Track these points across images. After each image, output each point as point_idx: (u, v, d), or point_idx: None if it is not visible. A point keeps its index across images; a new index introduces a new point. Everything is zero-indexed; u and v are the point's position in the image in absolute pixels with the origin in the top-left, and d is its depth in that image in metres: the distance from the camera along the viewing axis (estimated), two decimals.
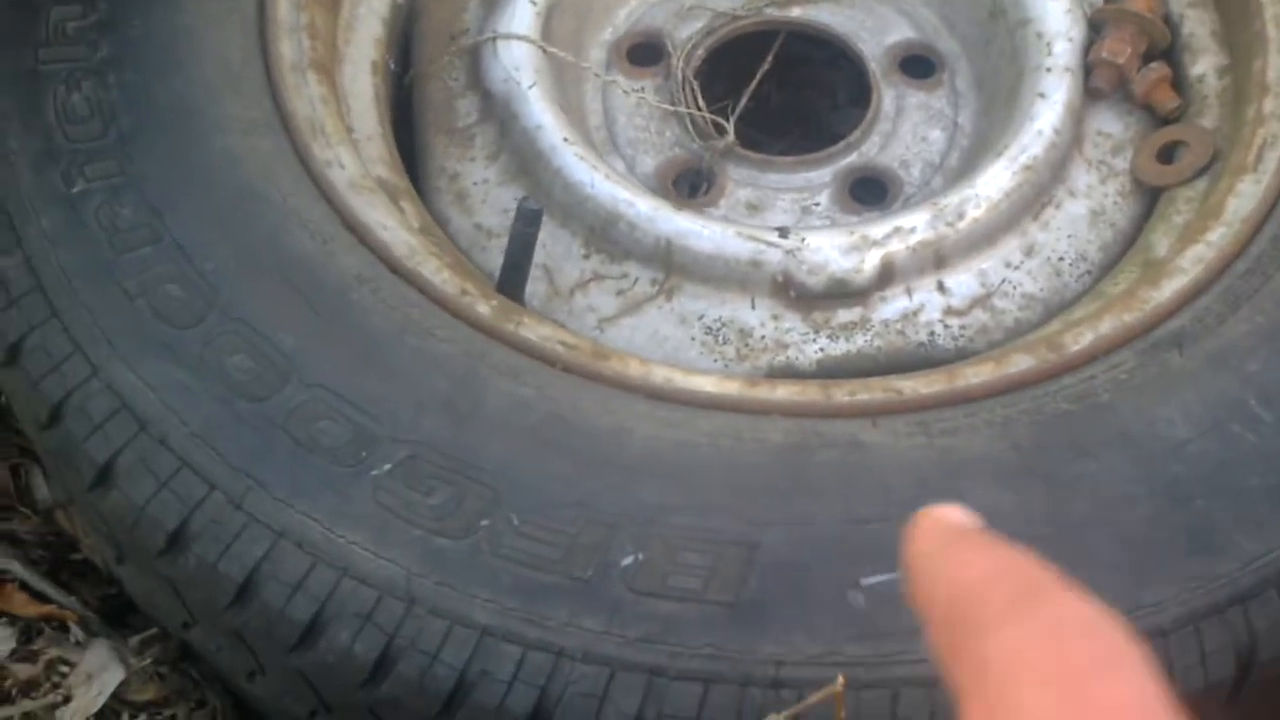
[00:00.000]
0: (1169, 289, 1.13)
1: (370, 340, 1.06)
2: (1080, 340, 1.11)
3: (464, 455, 1.01)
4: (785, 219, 1.33)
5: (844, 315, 1.22)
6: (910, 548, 0.55)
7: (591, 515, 0.99)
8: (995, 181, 1.25)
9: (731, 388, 1.09)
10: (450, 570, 0.98)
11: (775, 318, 1.22)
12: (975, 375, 1.09)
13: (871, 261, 1.21)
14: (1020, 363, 1.09)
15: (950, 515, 0.58)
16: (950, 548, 0.54)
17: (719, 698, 0.94)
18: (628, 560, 0.98)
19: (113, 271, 1.09)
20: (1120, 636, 0.47)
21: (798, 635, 0.95)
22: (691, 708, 0.94)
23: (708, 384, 1.09)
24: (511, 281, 1.16)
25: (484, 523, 0.99)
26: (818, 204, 1.34)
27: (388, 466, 1.01)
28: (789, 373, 1.21)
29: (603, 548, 0.98)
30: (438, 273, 1.13)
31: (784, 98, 1.55)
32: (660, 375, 1.09)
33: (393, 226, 1.15)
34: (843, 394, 1.09)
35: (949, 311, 1.23)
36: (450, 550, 0.98)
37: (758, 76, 1.40)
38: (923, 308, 1.23)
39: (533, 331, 1.10)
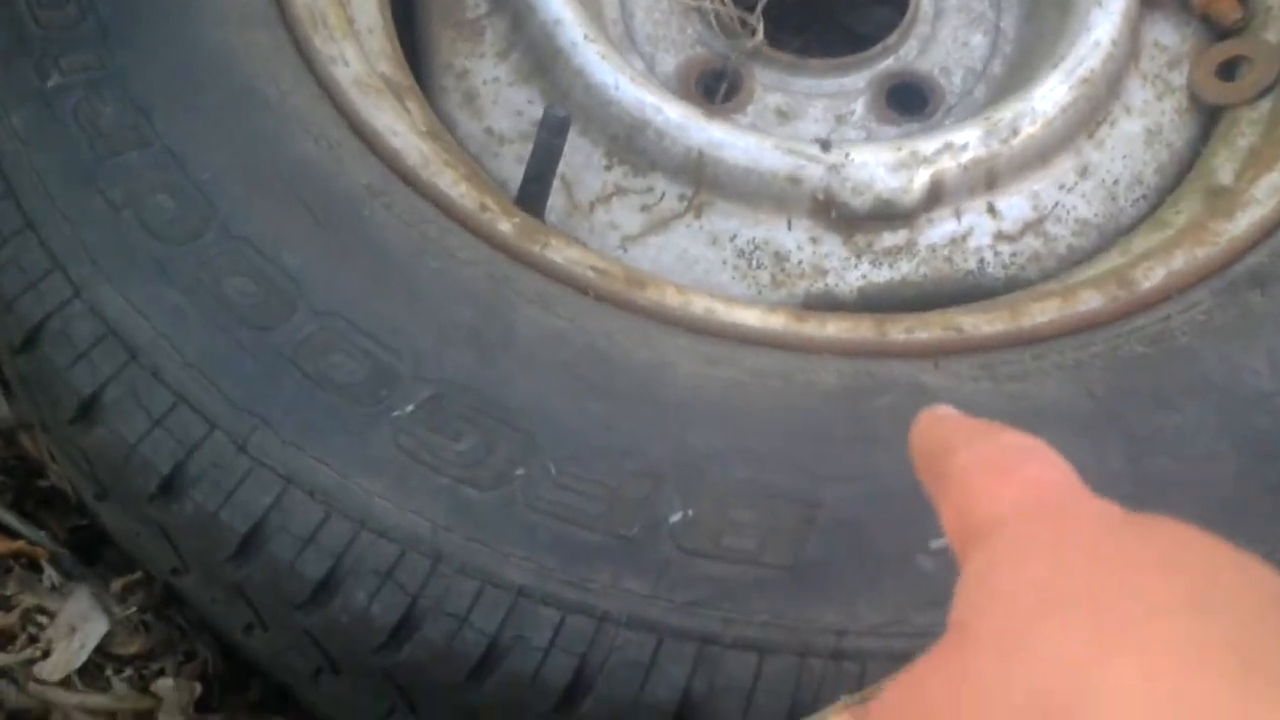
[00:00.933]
0: (1244, 222, 1.05)
1: (386, 262, 0.96)
2: (1151, 276, 1.02)
3: (494, 395, 0.92)
4: (818, 129, 1.23)
5: (888, 239, 1.13)
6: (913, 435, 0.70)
7: (636, 465, 0.90)
8: (1051, 96, 1.15)
9: (777, 322, 1.00)
10: (481, 524, 0.88)
11: (814, 240, 1.13)
12: (1041, 313, 1.00)
13: (921, 180, 1.12)
14: (1088, 300, 1.01)
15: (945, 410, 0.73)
16: (938, 423, 0.70)
17: (775, 669, 0.86)
18: (676, 517, 0.89)
19: (95, 178, 0.97)
20: (1048, 449, 0.63)
21: (861, 602, 0.86)
22: (746, 679, 0.86)
23: (751, 317, 1.00)
24: (533, 196, 1.06)
25: (518, 472, 0.90)
26: (853, 112, 1.24)
27: (410, 407, 0.91)
28: (828, 300, 1.12)
29: (649, 502, 0.89)
30: (455, 185, 1.02)
31: None
32: (700, 306, 1.00)
33: (403, 132, 1.04)
34: (899, 331, 1.00)
35: (999, 236, 1.14)
36: (481, 502, 0.89)
37: None
38: (971, 232, 1.14)
39: (560, 254, 1.00)
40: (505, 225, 1.01)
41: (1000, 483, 0.59)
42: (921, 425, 0.71)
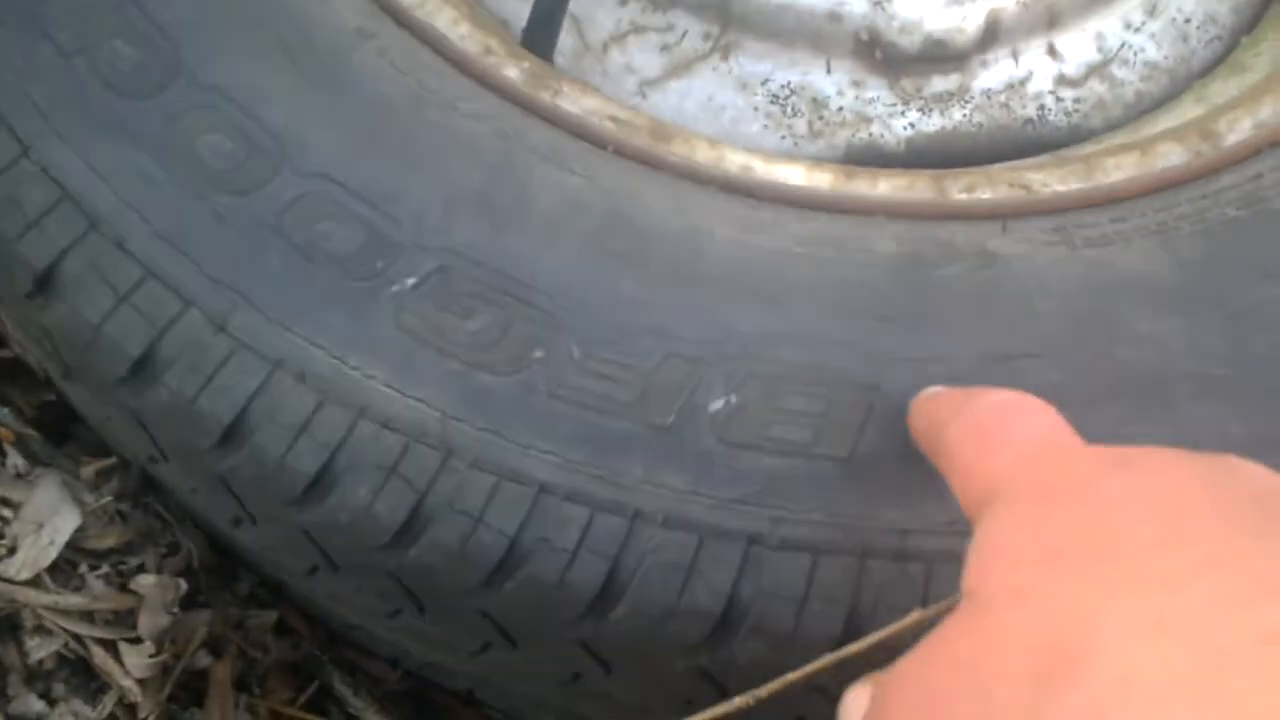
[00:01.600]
0: None
1: (381, 115, 0.84)
2: (1237, 129, 0.91)
3: (508, 266, 0.80)
4: None
5: (939, 84, 1.01)
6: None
7: (671, 346, 0.79)
8: None
9: (824, 179, 0.88)
10: (497, 413, 0.78)
11: (856, 84, 1.01)
12: (1118, 169, 0.89)
13: (975, 18, 1.00)
14: (1170, 155, 0.90)
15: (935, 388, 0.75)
16: (928, 401, 0.74)
17: (831, 572, 0.76)
18: (717, 404, 0.78)
19: (39, 18, 0.85)
20: (1031, 401, 0.66)
21: (926, 498, 0.76)
22: (798, 584, 0.76)
23: (794, 174, 0.88)
24: (541, 37, 0.93)
25: (537, 354, 0.79)
26: None
27: (412, 281, 0.80)
28: (872, 152, 1.00)
29: (686, 388, 0.79)
30: (454, 25, 0.90)
31: None
32: (735, 162, 0.88)
33: None
34: (959, 189, 0.88)
35: (1061, 81, 1.03)
36: (496, 388, 0.78)
37: None
38: (1031, 76, 1.02)
39: (575, 103, 0.88)
40: (513, 71, 0.89)
41: (990, 448, 0.64)
42: (915, 408, 0.75)
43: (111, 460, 0.98)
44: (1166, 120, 0.99)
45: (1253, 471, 0.58)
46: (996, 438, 0.64)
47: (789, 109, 1.00)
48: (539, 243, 0.81)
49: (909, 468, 0.77)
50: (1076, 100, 1.02)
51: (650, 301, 0.80)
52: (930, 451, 0.70)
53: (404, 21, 0.89)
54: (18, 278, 0.83)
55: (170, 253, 0.80)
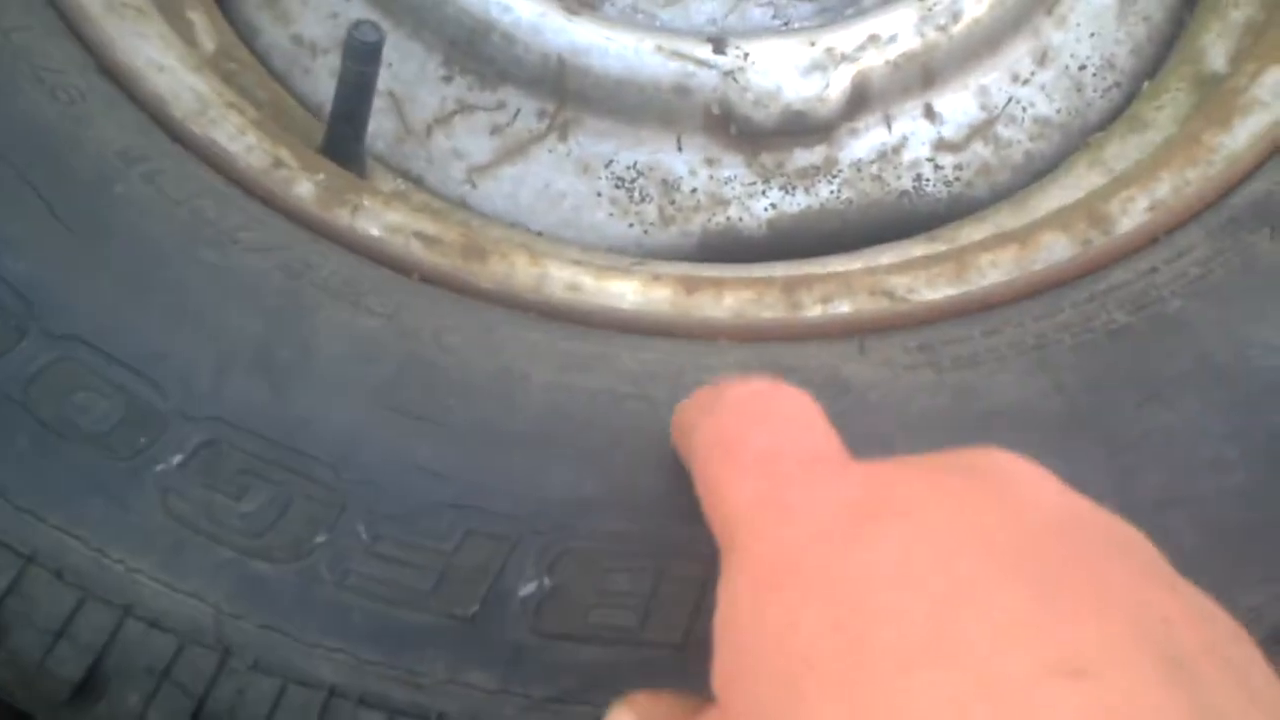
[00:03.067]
0: (1244, 132, 0.83)
1: (146, 259, 0.73)
2: (1131, 211, 0.81)
3: (287, 435, 0.70)
4: (715, 7, 0.99)
5: (802, 158, 0.91)
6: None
7: (475, 522, 0.69)
8: None
9: (662, 298, 0.78)
10: (278, 607, 0.68)
11: (710, 163, 0.90)
12: (993, 268, 0.79)
13: (840, 84, 0.89)
14: (1054, 248, 0.80)
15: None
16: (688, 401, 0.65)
17: None
18: (529, 588, 0.69)
19: None
20: (783, 391, 0.59)
21: None
22: None
23: (628, 293, 0.78)
24: (345, 139, 0.83)
25: (320, 538, 0.69)
26: None
27: (179, 458, 0.70)
28: (730, 238, 0.90)
29: (492, 570, 0.69)
30: (239, 136, 0.79)
31: None
32: (561, 281, 0.78)
33: (173, 65, 0.81)
34: (814, 301, 0.79)
35: (940, 146, 0.92)
36: (276, 579, 0.68)
37: None
38: (906, 142, 0.92)
39: (377, 221, 0.78)
40: (305, 187, 0.78)
41: (731, 467, 0.56)
42: (676, 412, 0.67)
43: None
44: (1057, 189, 0.89)
45: (1034, 498, 0.52)
46: (738, 453, 0.57)
47: (637, 193, 0.90)
48: (323, 404, 0.71)
49: None
50: (958, 166, 0.92)
51: (450, 470, 0.70)
52: (685, 460, 0.63)
53: (180, 137, 0.78)
54: None
55: None
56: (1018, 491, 0.52)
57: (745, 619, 0.51)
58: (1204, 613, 0.49)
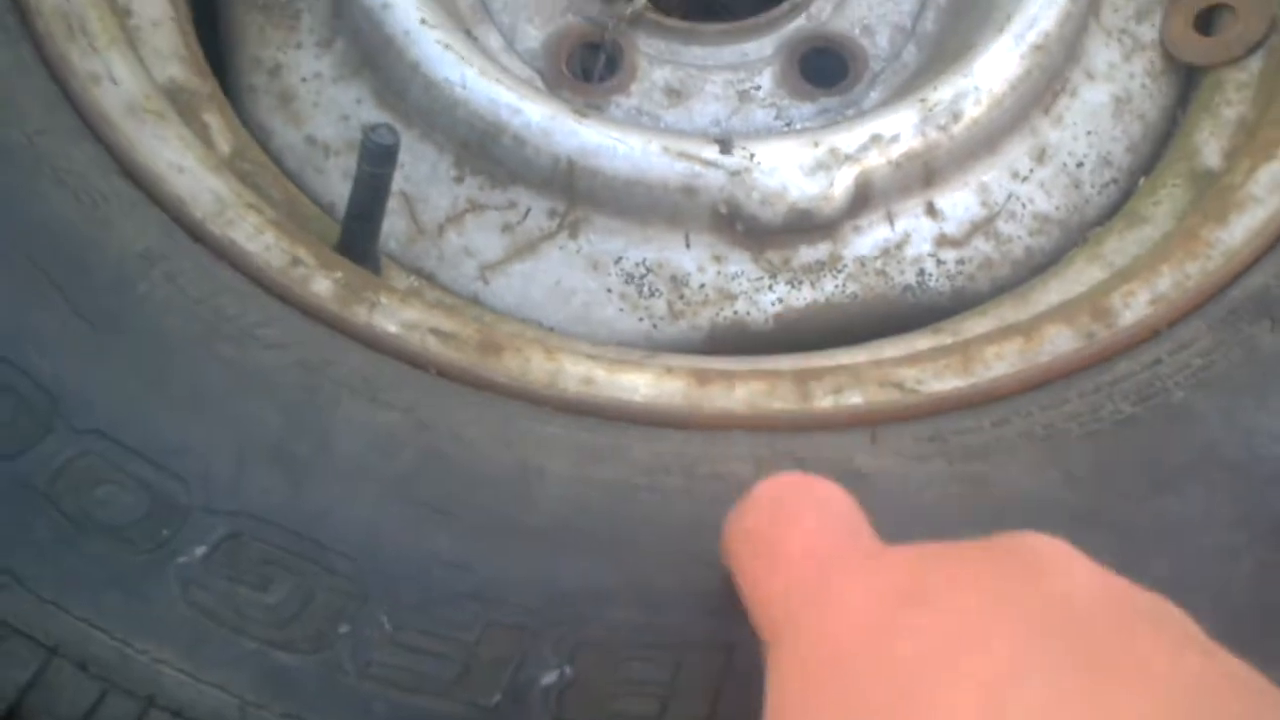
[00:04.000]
0: (1241, 228, 0.85)
1: (167, 356, 0.75)
2: (1133, 304, 0.83)
3: (308, 527, 0.71)
4: (718, 108, 1.02)
5: (807, 254, 0.93)
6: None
7: (495, 613, 0.70)
8: (998, 68, 0.94)
9: (675, 390, 0.80)
10: (301, 697, 0.68)
11: (718, 259, 0.92)
12: (999, 360, 0.81)
13: (843, 183, 0.91)
14: (1058, 340, 0.81)
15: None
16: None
17: None
18: (550, 677, 0.69)
19: None
20: (813, 485, 0.61)
21: None
22: None
23: (642, 385, 0.80)
24: (360, 239, 0.84)
25: (343, 629, 0.70)
26: (758, 87, 1.03)
27: (201, 550, 0.70)
28: (738, 332, 0.92)
29: (514, 660, 0.69)
30: (258, 235, 0.81)
31: None
32: (575, 375, 0.79)
33: (192, 167, 0.82)
34: (825, 392, 0.80)
35: (942, 241, 0.94)
36: (299, 669, 0.69)
37: None
38: (909, 239, 0.94)
39: (394, 318, 0.79)
40: (322, 284, 0.79)
41: (767, 563, 0.58)
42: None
43: None
44: (1057, 283, 0.91)
45: (1066, 577, 0.53)
46: (775, 548, 0.59)
47: (646, 289, 0.92)
48: (343, 496, 0.72)
49: None
50: (960, 261, 0.94)
51: (471, 561, 0.71)
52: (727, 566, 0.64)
53: (200, 236, 0.79)
54: None
55: None
56: (1051, 571, 0.53)
57: (795, 713, 0.53)
58: (1240, 676, 0.50)
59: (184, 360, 0.75)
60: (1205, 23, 1.01)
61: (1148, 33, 1.02)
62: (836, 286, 0.93)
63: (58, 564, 0.71)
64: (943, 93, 0.94)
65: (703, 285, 0.92)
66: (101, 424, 0.72)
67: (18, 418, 0.72)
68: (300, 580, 0.70)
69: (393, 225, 0.91)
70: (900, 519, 0.74)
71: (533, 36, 1.04)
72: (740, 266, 0.92)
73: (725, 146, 0.91)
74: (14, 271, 0.75)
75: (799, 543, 0.58)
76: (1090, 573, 0.55)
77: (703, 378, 0.81)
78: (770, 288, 0.92)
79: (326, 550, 0.71)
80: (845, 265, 0.93)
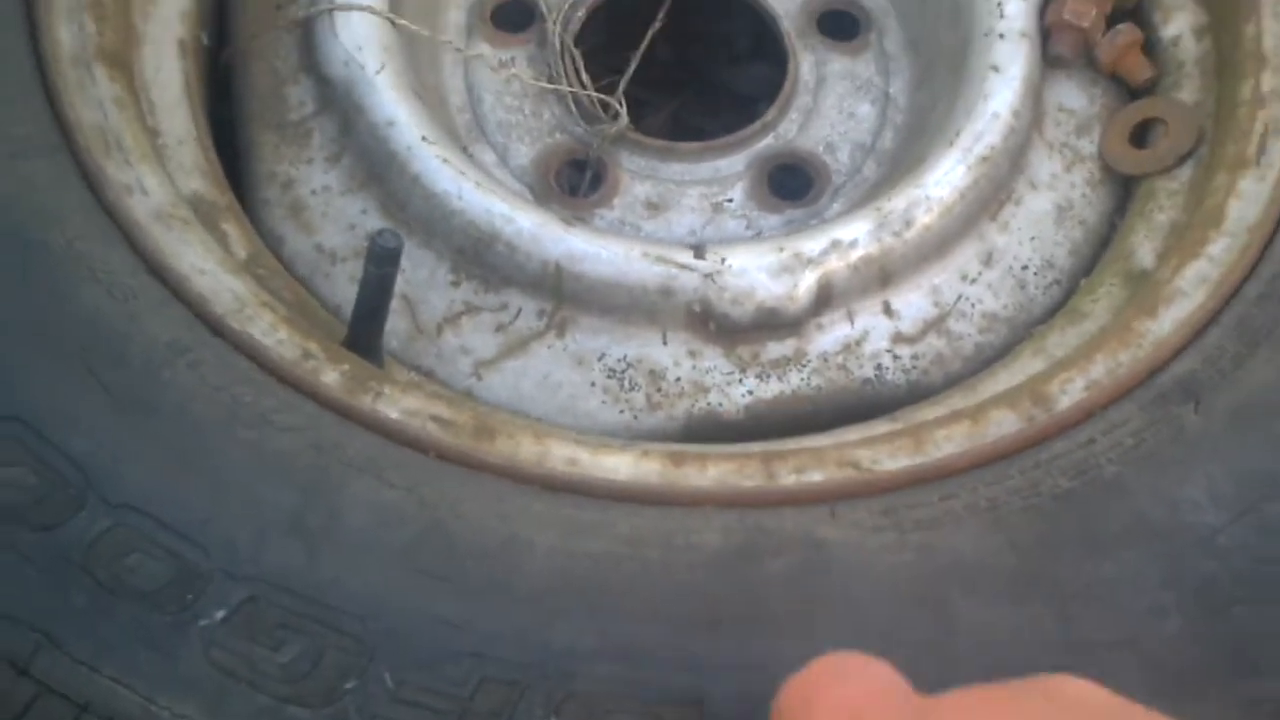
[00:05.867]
0: (1169, 319, 0.94)
1: (191, 437, 0.82)
2: (1070, 390, 0.91)
3: (319, 594, 0.78)
4: (693, 219, 1.11)
5: (775, 350, 1.01)
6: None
7: (489, 670, 0.77)
8: (948, 179, 1.03)
9: (652, 470, 0.87)
10: None
11: (692, 355, 1.00)
12: (948, 441, 0.89)
13: (806, 284, 1.00)
14: (1002, 423, 0.89)
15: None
16: None
17: None
18: None
19: None
20: (858, 660, 0.64)
21: None
22: None
23: (622, 466, 0.87)
24: (366, 335, 0.92)
25: (349, 685, 0.76)
26: (730, 200, 1.12)
27: (221, 613, 0.78)
28: (712, 422, 0.99)
29: (505, 713, 0.76)
30: (272, 331, 0.89)
31: (672, 50, 1.31)
32: (560, 457, 0.87)
33: (213, 269, 0.91)
34: (788, 471, 0.88)
35: (898, 339, 1.02)
36: None
37: (647, 38, 1.17)
38: (867, 336, 1.02)
39: (396, 406, 0.87)
40: (331, 376, 0.87)
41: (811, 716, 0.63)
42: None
43: None
44: (1005, 374, 0.99)
45: (1107, 712, 0.57)
46: (821, 704, 0.63)
47: (626, 382, 1.00)
48: (351, 565, 0.79)
49: None
50: (914, 357, 1.02)
51: (467, 623, 0.78)
52: None
53: (220, 331, 0.87)
54: None
55: None
56: (1092, 713, 0.58)
57: None
58: None
59: (207, 441, 0.82)
60: (1140, 136, 1.10)
61: (1087, 146, 1.11)
62: (802, 380, 1.01)
63: (90, 627, 0.77)
64: (896, 202, 1.02)
65: (679, 379, 1.00)
66: (131, 498, 0.80)
67: (55, 493, 0.80)
68: (311, 641, 0.77)
69: (394, 325, 0.99)
70: (857, 584, 0.82)
71: (523, 154, 1.13)
72: (713, 361, 1.00)
73: (699, 252, 1.00)
74: (54, 359, 0.83)
75: (844, 695, 0.63)
76: (1126, 710, 0.60)
77: (678, 459, 0.88)
78: (741, 381, 1.00)
79: (336, 613, 0.78)
80: (809, 360, 1.01)
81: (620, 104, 1.10)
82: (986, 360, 1.03)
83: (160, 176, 0.94)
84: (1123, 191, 1.10)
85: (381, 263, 0.90)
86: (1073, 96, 1.12)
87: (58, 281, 0.86)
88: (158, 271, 0.89)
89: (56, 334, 0.85)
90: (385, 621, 0.78)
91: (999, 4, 1.10)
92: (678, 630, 0.79)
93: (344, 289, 1.01)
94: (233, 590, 0.78)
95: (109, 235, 0.89)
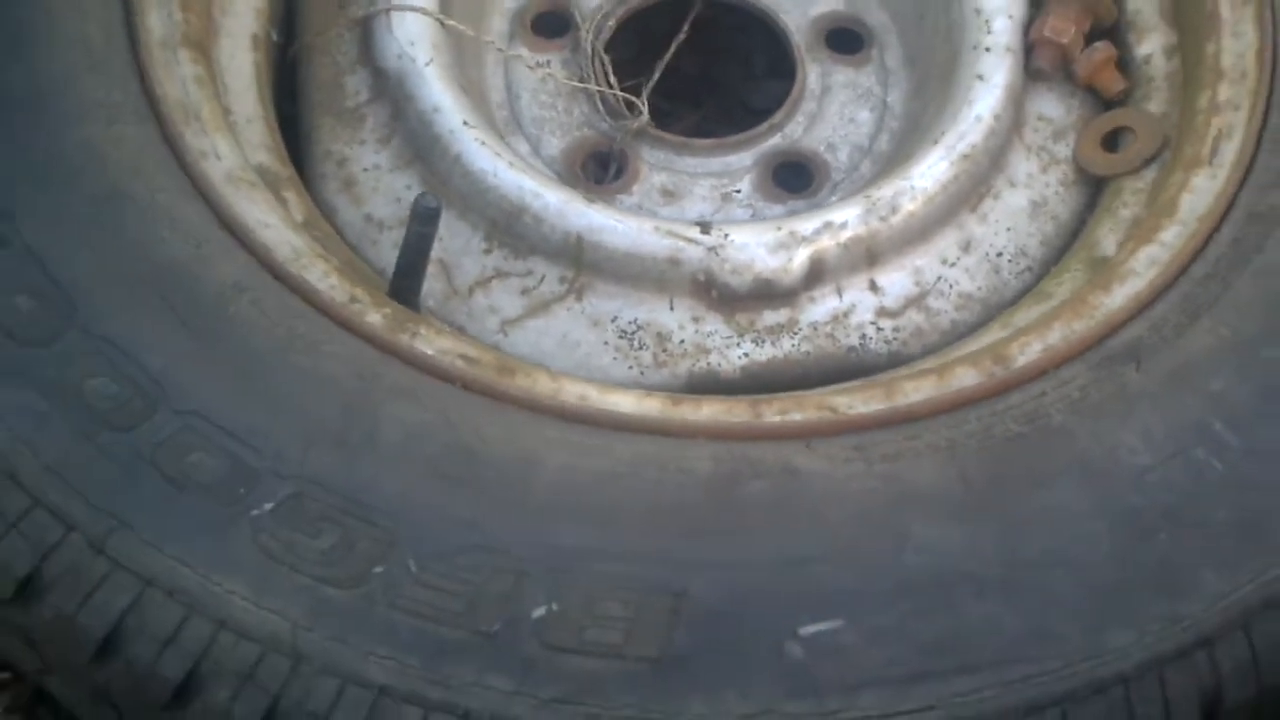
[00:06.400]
0: (1120, 295, 1.05)
1: (250, 360, 0.95)
2: (1027, 351, 1.02)
3: (355, 492, 0.91)
4: (704, 207, 1.23)
5: (770, 317, 1.13)
6: None
7: (498, 561, 0.89)
8: (931, 172, 1.15)
9: (653, 406, 0.99)
10: (341, 623, 0.87)
11: (696, 320, 1.12)
12: (915, 391, 1.00)
13: (800, 259, 1.12)
14: (964, 377, 1.01)
15: None
16: None
17: None
18: (539, 612, 0.88)
19: None
20: None
21: (730, 693, 0.85)
22: None
23: (626, 402, 0.99)
24: (406, 286, 1.05)
25: (377, 569, 0.89)
26: (738, 191, 1.24)
27: (269, 505, 0.90)
28: (711, 380, 1.11)
29: (512, 598, 0.88)
30: (325, 278, 1.02)
31: (696, 65, 1.44)
32: (573, 393, 0.99)
33: (275, 225, 1.04)
34: (773, 413, 0.99)
35: (881, 313, 1.14)
36: (341, 600, 0.88)
37: (671, 49, 1.30)
38: (854, 309, 1.14)
39: (430, 344, 1.00)
40: (374, 317, 1.00)
41: None
42: None
43: (6, 675, 1.07)
44: (973, 344, 1.10)
45: None
46: None
47: (636, 342, 1.12)
48: (384, 471, 0.92)
49: (713, 665, 0.86)
50: (896, 329, 1.14)
51: (481, 522, 0.90)
52: None
53: (279, 275, 1.00)
54: None
55: (56, 482, 0.90)
56: None
57: None
58: None
59: (264, 363, 0.95)
60: (1111, 142, 1.21)
61: (1063, 150, 1.23)
62: (793, 345, 1.12)
63: (157, 514, 0.90)
64: (884, 191, 1.15)
65: (682, 341, 1.12)
66: (197, 407, 0.93)
67: (133, 399, 0.93)
68: (346, 531, 0.89)
69: (431, 287, 1.11)
70: (827, 503, 0.93)
71: (554, 145, 1.26)
72: (714, 326, 1.12)
73: (705, 228, 1.12)
74: (137, 293, 0.97)
75: None
76: None
77: (676, 400, 1.01)
78: (738, 344, 1.12)
79: (369, 509, 0.90)
80: (801, 328, 1.13)
81: (643, 102, 1.23)
82: (960, 335, 1.14)
83: (231, 145, 1.08)
84: (1093, 191, 1.22)
85: (423, 220, 1.03)
86: (1051, 106, 1.25)
87: (142, 228, 1.00)
88: (227, 224, 1.02)
89: (140, 272, 0.98)
90: (411, 517, 0.90)
91: (987, 21, 1.22)
92: (667, 537, 0.91)
93: (388, 254, 1.13)
94: (280, 487, 0.91)
95: (186, 191, 1.02)
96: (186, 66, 1.10)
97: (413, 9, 1.18)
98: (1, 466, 0.91)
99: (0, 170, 1.00)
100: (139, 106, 1.05)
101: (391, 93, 1.19)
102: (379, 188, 1.17)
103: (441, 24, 1.19)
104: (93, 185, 1.01)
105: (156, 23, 1.10)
